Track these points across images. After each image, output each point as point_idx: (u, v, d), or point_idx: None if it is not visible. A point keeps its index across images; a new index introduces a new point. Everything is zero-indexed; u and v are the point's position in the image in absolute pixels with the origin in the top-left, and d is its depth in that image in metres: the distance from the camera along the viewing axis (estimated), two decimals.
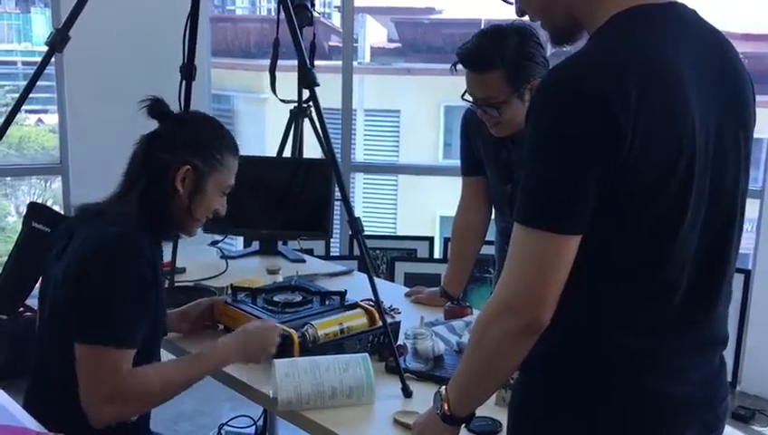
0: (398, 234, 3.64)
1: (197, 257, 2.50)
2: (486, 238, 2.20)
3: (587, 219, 1.00)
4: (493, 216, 2.17)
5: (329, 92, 3.24)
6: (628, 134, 0.96)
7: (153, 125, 1.62)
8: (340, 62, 3.48)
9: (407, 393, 1.61)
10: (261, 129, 7.18)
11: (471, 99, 1.91)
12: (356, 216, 1.66)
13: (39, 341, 1.60)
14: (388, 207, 6.90)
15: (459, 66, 1.89)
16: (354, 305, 1.85)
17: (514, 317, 1.03)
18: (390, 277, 3.25)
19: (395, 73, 7.42)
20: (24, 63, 5.83)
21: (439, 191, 6.92)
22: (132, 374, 1.48)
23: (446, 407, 1.19)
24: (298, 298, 1.93)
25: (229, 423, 2.79)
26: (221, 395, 2.83)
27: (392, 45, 7.75)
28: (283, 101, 2.89)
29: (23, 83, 1.78)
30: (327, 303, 1.91)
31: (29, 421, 1.33)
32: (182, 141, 1.58)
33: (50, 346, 1.56)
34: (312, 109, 2.77)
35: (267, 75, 2.69)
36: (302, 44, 1.68)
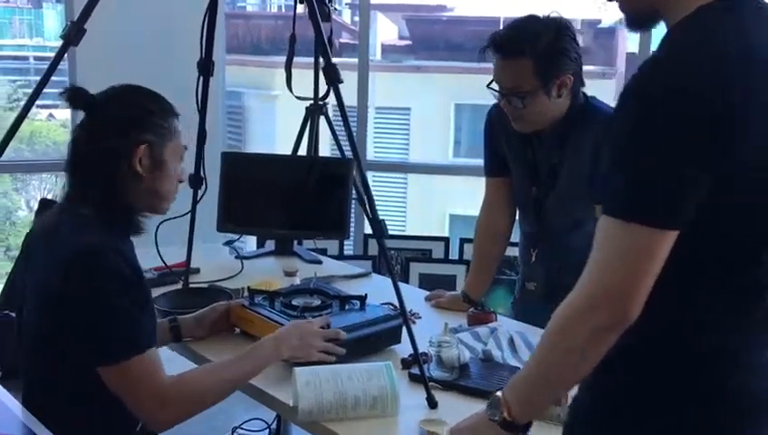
0: (411, 233, 3.55)
1: (211, 257, 2.43)
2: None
3: (685, 215, 0.96)
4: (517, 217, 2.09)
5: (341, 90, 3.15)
6: (731, 131, 0.94)
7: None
8: (350, 60, 3.40)
9: (432, 404, 1.53)
10: (271, 125, 7.11)
11: (497, 88, 1.84)
12: (380, 218, 1.59)
13: (25, 352, 1.50)
14: (397, 205, 6.83)
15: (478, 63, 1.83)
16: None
17: (603, 313, 0.99)
18: (405, 278, 3.17)
19: (405, 71, 7.35)
20: (36, 59, 5.77)
21: (449, 190, 6.85)
22: (177, 377, 1.43)
23: (506, 413, 1.13)
24: (317, 302, 1.85)
25: (242, 426, 2.72)
26: (234, 397, 2.74)
27: (403, 43, 7.68)
28: (298, 98, 2.80)
29: (35, 78, 1.70)
30: (347, 307, 1.84)
31: (31, 421, 1.29)
32: (124, 121, 1.43)
33: (40, 363, 1.46)
34: (329, 106, 2.72)
35: (278, 72, 2.62)
36: (325, 40, 1.60)
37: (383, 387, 1.50)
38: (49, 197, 3.59)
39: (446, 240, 3.32)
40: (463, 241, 3.30)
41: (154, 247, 2.07)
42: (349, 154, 3.12)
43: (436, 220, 7.10)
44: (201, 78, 1.94)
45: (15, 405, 1.38)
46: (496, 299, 2.71)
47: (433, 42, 7.62)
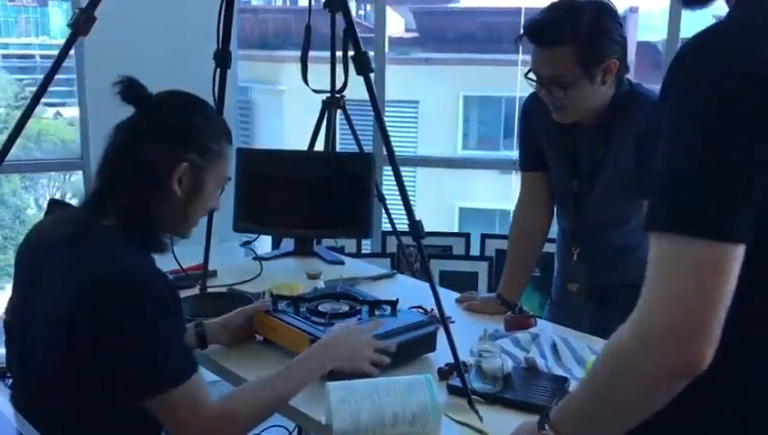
0: (432, 230, 3.40)
1: (228, 259, 2.29)
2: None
3: (751, 223, 0.79)
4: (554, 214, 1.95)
5: (351, 84, 3.00)
6: None
7: None
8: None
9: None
10: (278, 121, 6.99)
11: (535, 77, 1.69)
12: (417, 218, 1.45)
13: (28, 370, 1.34)
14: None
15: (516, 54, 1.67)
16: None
17: (669, 354, 0.81)
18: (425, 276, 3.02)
19: (413, 64, 7.20)
20: (42, 57, 5.65)
21: (459, 183, 6.71)
22: (224, 402, 1.31)
23: None
24: (345, 308, 1.71)
25: (261, 434, 2.58)
26: None
27: (410, 35, 7.52)
28: (315, 91, 2.66)
29: (40, 77, 1.55)
30: (376, 313, 1.70)
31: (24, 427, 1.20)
32: (173, 132, 1.29)
33: (52, 389, 1.29)
34: (352, 98, 2.57)
35: (284, 66, 2.47)
36: (355, 27, 1.45)
37: (423, 402, 1.36)
38: (57, 196, 3.46)
39: (466, 236, 3.17)
40: (484, 236, 3.16)
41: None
42: (367, 149, 2.99)
43: (446, 214, 6.96)
44: (218, 70, 1.79)
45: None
46: (525, 298, 2.56)
47: (440, 33, 7.48)
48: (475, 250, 3.17)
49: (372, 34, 3.30)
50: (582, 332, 1.80)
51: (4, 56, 5.35)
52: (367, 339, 1.51)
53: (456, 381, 1.51)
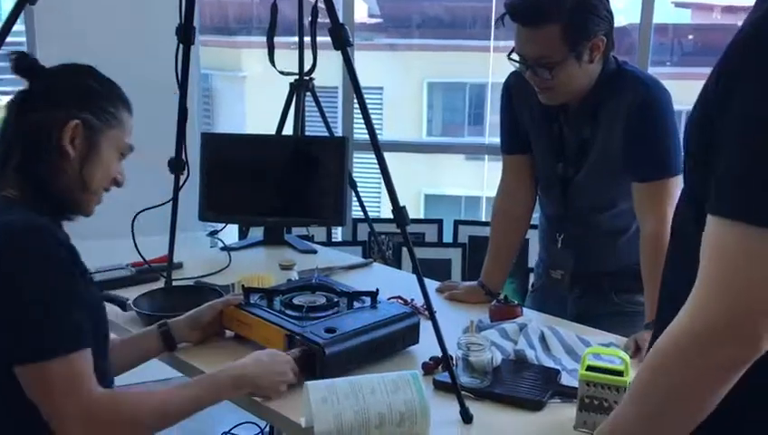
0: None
1: (193, 250, 2.15)
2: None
3: None
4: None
5: (321, 69, 2.88)
6: None
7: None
8: (324, 39, 3.12)
9: (467, 418, 1.29)
10: (240, 108, 6.80)
11: (518, 58, 1.59)
12: (401, 204, 1.34)
13: None
14: (372, 186, 6.58)
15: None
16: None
17: (727, 345, 0.76)
18: (398, 264, 2.93)
19: (377, 49, 7.07)
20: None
21: (423, 170, 6.62)
22: (108, 393, 1.18)
23: None
24: (322, 300, 1.60)
25: (232, 432, 2.46)
26: None
27: (373, 21, 7.39)
28: (282, 73, 2.53)
29: None
30: (355, 305, 1.59)
31: None
32: (65, 94, 1.25)
33: None
34: (339, 78, 2.44)
35: (244, 52, 2.34)
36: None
37: (411, 400, 1.26)
38: None
39: (439, 222, 3.08)
40: (457, 223, 3.07)
41: (130, 240, 1.81)
42: (336, 133, 2.87)
43: (412, 201, 6.86)
44: (181, 46, 1.65)
45: None
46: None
47: (404, 19, 7.36)
48: (447, 237, 3.08)
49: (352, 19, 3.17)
50: (566, 319, 1.73)
51: None
52: (287, 359, 1.38)
53: (442, 377, 1.42)
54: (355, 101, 1.30)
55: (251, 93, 6.70)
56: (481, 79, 6.16)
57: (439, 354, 1.41)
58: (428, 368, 1.47)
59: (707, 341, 0.77)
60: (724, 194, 0.78)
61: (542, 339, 1.56)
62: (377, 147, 1.31)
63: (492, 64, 4.75)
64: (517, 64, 1.62)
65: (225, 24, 6.87)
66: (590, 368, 1.28)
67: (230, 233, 2.80)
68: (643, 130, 1.57)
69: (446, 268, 2.95)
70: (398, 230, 1.35)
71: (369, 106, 1.38)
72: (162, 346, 1.50)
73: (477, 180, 5.84)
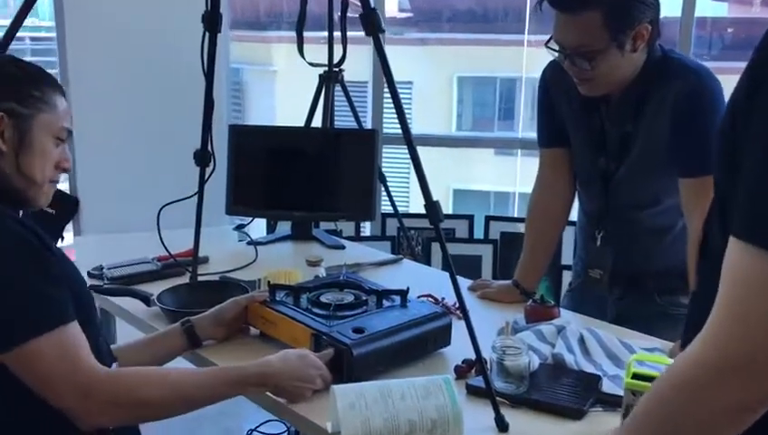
0: (417, 211, 3.19)
1: (220, 244, 2.09)
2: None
3: None
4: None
5: (350, 63, 2.80)
6: None
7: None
8: (356, 33, 3.04)
9: (502, 426, 1.21)
10: (270, 102, 6.76)
11: (557, 47, 1.50)
12: (434, 199, 1.25)
13: None
14: (399, 181, 6.50)
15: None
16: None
17: (745, 384, 0.67)
18: (427, 260, 2.84)
19: (407, 44, 6.98)
20: (32, 39, 5.42)
21: (452, 165, 6.52)
22: (108, 370, 1.15)
23: None
24: (350, 298, 1.52)
25: (259, 429, 2.39)
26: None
27: (404, 15, 7.30)
28: (311, 64, 2.45)
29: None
30: (384, 304, 1.51)
31: None
32: None
33: None
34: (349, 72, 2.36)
35: (275, 47, 2.27)
36: None
37: (443, 407, 1.18)
38: None
39: (469, 218, 2.98)
40: (488, 218, 2.97)
41: (156, 234, 1.75)
42: (366, 126, 2.79)
43: (440, 196, 6.76)
44: (207, 34, 1.58)
45: None
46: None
47: (435, 13, 7.26)
48: (478, 233, 2.98)
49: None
50: (605, 321, 1.63)
51: None
52: (318, 364, 1.30)
53: (475, 381, 1.33)
54: (386, 92, 1.21)
55: (281, 88, 6.67)
56: (512, 73, 6.03)
57: (472, 357, 1.33)
58: (461, 371, 1.39)
59: (716, 374, 0.68)
60: (743, 213, 0.68)
61: (582, 342, 1.46)
62: (409, 138, 1.23)
63: (525, 58, 4.63)
64: (555, 54, 1.52)
65: (257, 19, 6.84)
66: (635, 376, 1.18)
67: (258, 227, 2.74)
68: (692, 121, 1.46)
69: (476, 265, 2.86)
70: (428, 226, 1.27)
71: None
72: (187, 344, 1.44)
73: (507, 176, 5.73)
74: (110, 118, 2.75)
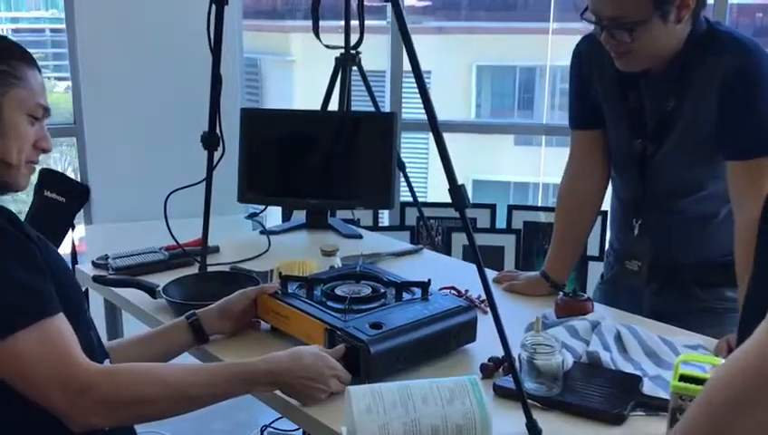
0: (437, 200, 3.06)
1: (231, 234, 1.98)
2: None
3: None
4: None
5: (367, 53, 2.68)
6: None
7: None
8: (375, 23, 2.91)
9: (535, 432, 1.09)
10: (288, 91, 6.68)
11: (594, 18, 1.36)
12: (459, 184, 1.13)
13: None
14: (418, 168, 6.37)
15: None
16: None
17: None
18: (447, 250, 2.72)
19: (425, 33, 6.85)
20: (53, 31, 5.40)
21: (471, 155, 6.39)
22: (100, 366, 1.07)
23: None
24: (367, 291, 1.40)
25: (273, 425, 2.29)
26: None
27: (422, 4, 7.17)
28: (327, 46, 2.34)
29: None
30: (404, 297, 1.39)
31: None
32: None
33: None
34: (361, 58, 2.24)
35: (292, 36, 2.16)
36: None
37: (469, 411, 1.06)
38: (51, 167, 3.14)
39: (492, 207, 2.85)
40: (511, 208, 2.84)
41: (163, 222, 1.64)
42: (384, 110, 2.67)
43: None
44: (213, 7, 1.46)
45: None
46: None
47: (453, 2, 7.12)
48: (500, 223, 2.85)
49: (388, 3, 2.95)
50: (641, 316, 1.50)
51: (15, 30, 5.11)
52: (333, 365, 1.19)
53: (503, 381, 1.21)
54: (404, 80, 1.10)
55: (299, 78, 6.57)
56: (531, 62, 5.88)
57: (499, 354, 1.21)
58: (488, 370, 1.27)
59: (758, 387, 0.59)
60: None
61: (618, 339, 1.33)
62: (430, 108, 1.11)
63: (550, 46, 4.49)
64: (591, 25, 1.39)
65: (274, 8, 6.74)
66: (683, 378, 1.06)
67: (274, 216, 2.63)
68: (742, 99, 1.32)
69: (498, 255, 2.73)
70: (449, 215, 1.15)
71: (417, 90, 1.18)
72: (192, 339, 1.34)
73: (527, 166, 5.58)
74: (121, 106, 2.66)
